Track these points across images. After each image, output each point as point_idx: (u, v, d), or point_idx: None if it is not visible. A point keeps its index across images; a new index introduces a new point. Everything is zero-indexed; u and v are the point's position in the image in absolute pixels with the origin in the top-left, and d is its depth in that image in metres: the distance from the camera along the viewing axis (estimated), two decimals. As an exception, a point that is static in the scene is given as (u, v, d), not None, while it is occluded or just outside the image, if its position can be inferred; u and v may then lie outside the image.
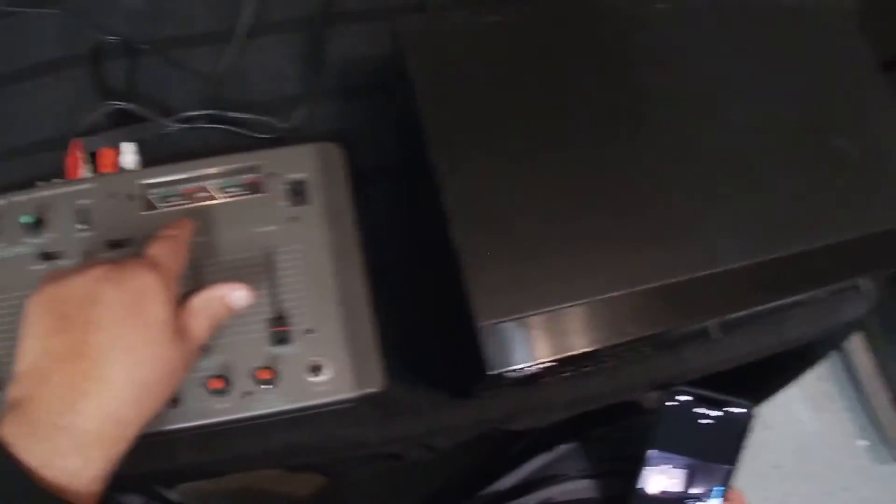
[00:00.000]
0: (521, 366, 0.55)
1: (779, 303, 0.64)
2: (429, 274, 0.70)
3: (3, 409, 0.49)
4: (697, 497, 0.71)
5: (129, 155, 0.71)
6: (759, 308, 0.63)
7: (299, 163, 0.67)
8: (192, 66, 0.77)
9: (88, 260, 0.61)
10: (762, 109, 0.68)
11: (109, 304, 0.51)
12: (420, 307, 0.70)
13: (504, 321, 0.55)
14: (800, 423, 1.68)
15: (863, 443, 1.69)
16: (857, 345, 1.66)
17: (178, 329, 0.54)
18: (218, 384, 0.59)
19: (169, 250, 0.57)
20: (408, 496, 1.05)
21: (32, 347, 0.51)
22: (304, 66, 0.78)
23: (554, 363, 0.56)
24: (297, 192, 0.66)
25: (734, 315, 0.62)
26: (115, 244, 0.63)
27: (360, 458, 0.82)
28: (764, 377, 0.94)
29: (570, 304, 0.56)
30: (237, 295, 0.59)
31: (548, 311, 0.56)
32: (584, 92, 0.66)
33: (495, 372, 0.54)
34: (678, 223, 0.62)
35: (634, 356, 0.71)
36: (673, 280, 0.59)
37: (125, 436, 0.50)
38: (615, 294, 0.58)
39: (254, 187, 0.66)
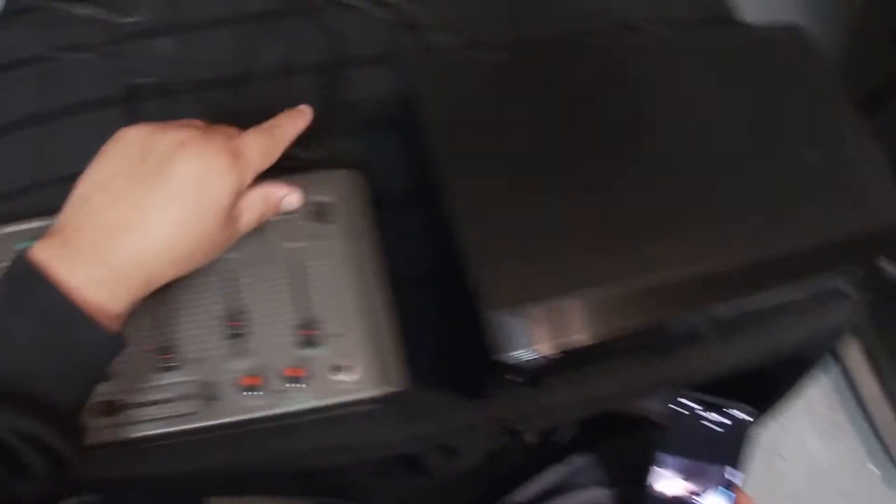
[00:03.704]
0: (523, 350, 0.60)
1: (760, 299, 0.71)
2: (444, 285, 0.75)
3: (46, 232, 0.53)
4: (706, 498, 0.75)
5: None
6: (746, 303, 0.69)
7: (324, 187, 0.74)
8: (221, 105, 0.84)
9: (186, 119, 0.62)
10: (738, 127, 0.75)
11: (180, 172, 0.54)
12: (437, 316, 0.75)
13: (508, 310, 0.60)
14: (813, 453, 1.70)
15: (875, 470, 1.71)
16: (863, 374, 1.69)
17: (231, 215, 0.58)
18: (251, 381, 0.65)
19: (262, 145, 0.60)
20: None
21: (97, 177, 0.55)
22: (324, 105, 0.85)
23: (555, 352, 0.62)
24: (322, 213, 0.72)
25: (718, 307, 0.68)
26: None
27: (386, 473, 0.87)
28: (764, 387, 0.98)
29: (569, 297, 0.62)
30: (291, 198, 0.65)
31: (549, 303, 0.61)
32: (579, 113, 0.73)
33: (500, 356, 0.59)
34: (670, 227, 0.68)
35: (636, 359, 0.76)
36: (667, 276, 0.65)
37: (148, 286, 0.55)
38: (612, 288, 0.63)
39: (283, 209, 0.73)
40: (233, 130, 0.60)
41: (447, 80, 0.72)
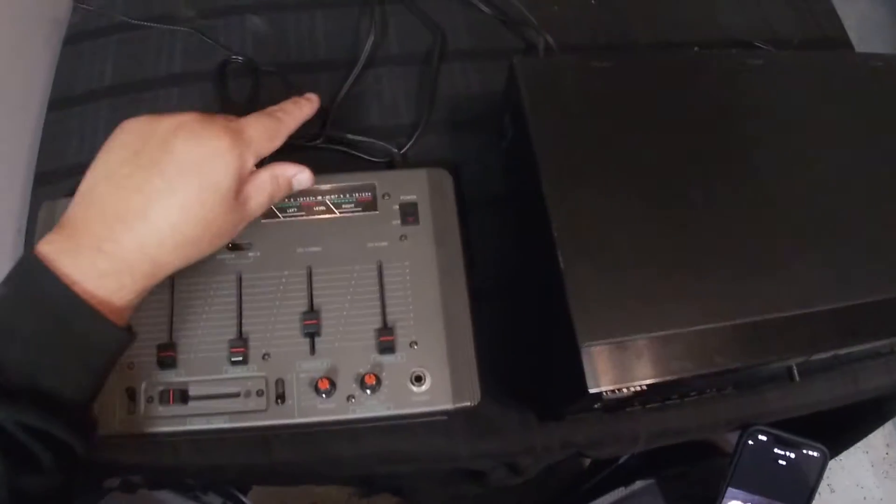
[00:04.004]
0: (618, 385, 0.57)
1: (858, 348, 0.66)
2: (525, 299, 0.72)
3: (54, 228, 0.52)
4: None
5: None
6: (841, 351, 0.65)
7: (412, 185, 0.71)
8: (312, 90, 0.82)
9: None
10: (851, 164, 0.71)
11: (180, 157, 0.53)
12: (515, 331, 0.73)
13: (603, 343, 0.58)
14: (864, 489, 1.66)
15: (927, 512, 1.67)
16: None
17: (238, 199, 0.56)
18: (323, 384, 0.62)
19: (264, 128, 0.58)
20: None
21: (101, 168, 0.54)
22: (418, 98, 0.82)
23: (647, 387, 0.59)
24: (408, 213, 0.70)
25: (817, 355, 0.64)
26: (234, 246, 0.67)
27: (441, 479, 0.85)
28: (840, 428, 0.94)
29: (665, 332, 0.59)
30: (302, 177, 0.61)
31: (645, 337, 0.58)
32: (684, 136, 0.69)
33: (595, 390, 0.56)
34: (770, 265, 0.64)
35: (718, 394, 0.73)
36: (763, 317, 0.61)
37: (155, 275, 0.53)
38: (708, 326, 0.60)
39: (368, 205, 0.70)
40: (234, 116, 0.58)
41: (552, 85, 0.68)
